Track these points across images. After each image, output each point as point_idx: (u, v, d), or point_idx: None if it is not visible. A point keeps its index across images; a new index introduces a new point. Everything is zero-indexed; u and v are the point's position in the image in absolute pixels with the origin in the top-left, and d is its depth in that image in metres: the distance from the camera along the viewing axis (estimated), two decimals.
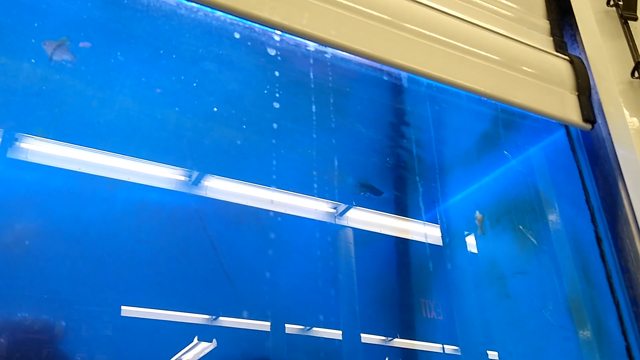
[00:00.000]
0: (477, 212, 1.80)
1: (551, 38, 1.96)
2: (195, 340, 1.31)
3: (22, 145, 1.27)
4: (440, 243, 1.89)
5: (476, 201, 1.94)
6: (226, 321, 1.39)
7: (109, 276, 1.18)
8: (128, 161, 1.36)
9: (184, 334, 1.28)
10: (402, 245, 2.01)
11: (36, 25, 1.30)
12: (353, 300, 1.58)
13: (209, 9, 1.41)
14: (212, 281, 1.34)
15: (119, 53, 1.33)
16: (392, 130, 1.80)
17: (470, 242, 1.92)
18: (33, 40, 1.21)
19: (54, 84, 1.26)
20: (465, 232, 1.95)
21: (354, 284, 1.64)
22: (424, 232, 2.02)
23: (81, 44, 1.20)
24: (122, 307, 1.24)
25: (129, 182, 1.31)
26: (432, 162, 1.86)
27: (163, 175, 1.41)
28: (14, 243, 1.08)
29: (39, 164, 1.22)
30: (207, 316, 1.32)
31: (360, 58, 1.57)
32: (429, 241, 1.99)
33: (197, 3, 1.34)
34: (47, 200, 1.14)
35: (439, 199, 1.93)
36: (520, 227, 1.87)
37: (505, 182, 1.98)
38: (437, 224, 1.94)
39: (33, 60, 1.27)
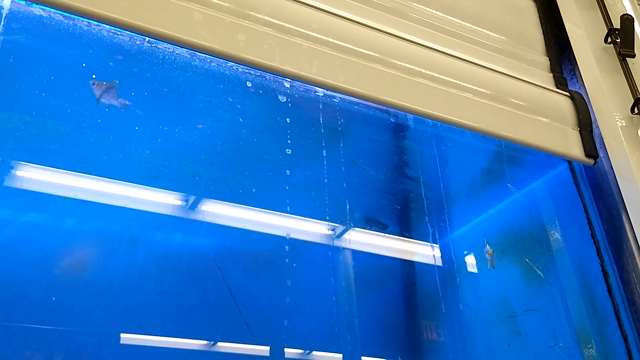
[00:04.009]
0: (487, 246, 1.83)
1: (551, 74, 2.00)
2: None
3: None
4: (442, 267, 1.91)
5: (482, 234, 1.97)
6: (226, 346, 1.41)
7: (132, 326, 1.21)
8: (147, 205, 1.39)
9: None
10: (406, 269, 2.02)
11: (52, 79, 1.34)
12: (353, 323, 1.59)
13: (222, 60, 1.45)
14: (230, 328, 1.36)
15: (135, 107, 1.37)
16: (399, 169, 1.84)
17: (476, 274, 1.94)
18: (57, 101, 1.25)
19: (75, 139, 1.29)
20: (471, 265, 1.97)
21: (354, 305, 1.65)
22: (428, 256, 2.03)
23: (99, 105, 1.24)
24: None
25: (150, 226, 1.34)
26: (437, 195, 1.89)
27: (179, 222, 1.44)
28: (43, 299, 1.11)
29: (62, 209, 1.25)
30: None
31: (368, 102, 1.61)
32: (436, 264, 2.01)
33: (217, 57, 1.39)
34: (76, 253, 1.17)
35: (444, 233, 1.95)
36: (527, 260, 1.89)
37: (509, 215, 2.01)
38: (441, 258, 1.96)
39: (51, 116, 1.30)
